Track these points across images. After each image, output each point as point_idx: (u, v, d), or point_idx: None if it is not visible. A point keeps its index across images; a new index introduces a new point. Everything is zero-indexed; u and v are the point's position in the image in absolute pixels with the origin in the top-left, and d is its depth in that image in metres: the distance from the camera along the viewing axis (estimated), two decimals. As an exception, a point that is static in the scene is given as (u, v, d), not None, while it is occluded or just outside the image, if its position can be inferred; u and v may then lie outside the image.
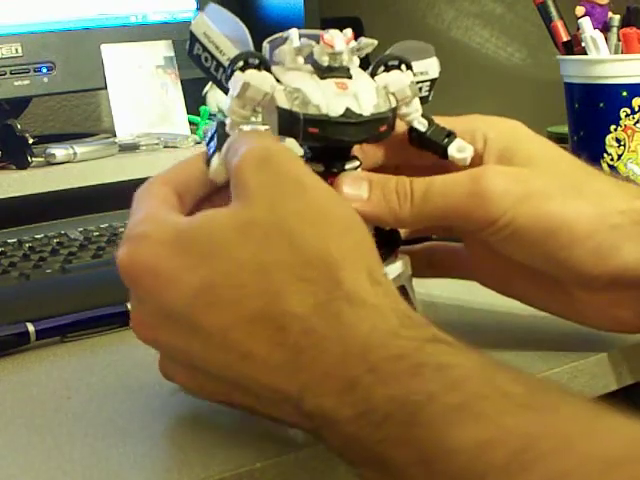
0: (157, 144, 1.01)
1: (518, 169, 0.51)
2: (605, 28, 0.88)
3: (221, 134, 0.49)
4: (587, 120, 0.89)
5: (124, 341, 0.62)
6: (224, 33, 0.51)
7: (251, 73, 0.49)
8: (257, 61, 0.49)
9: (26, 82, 1.00)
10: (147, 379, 0.55)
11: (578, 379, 0.54)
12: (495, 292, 0.58)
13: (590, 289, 0.53)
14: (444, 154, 0.53)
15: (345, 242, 0.43)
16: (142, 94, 1.07)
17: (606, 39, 0.87)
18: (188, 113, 1.10)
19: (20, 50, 1.00)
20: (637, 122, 0.86)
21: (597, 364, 0.55)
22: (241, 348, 0.42)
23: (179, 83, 1.09)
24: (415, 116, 0.53)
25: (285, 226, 0.43)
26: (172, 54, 1.08)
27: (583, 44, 0.87)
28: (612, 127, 0.87)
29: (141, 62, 1.07)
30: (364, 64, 0.51)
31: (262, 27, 1.12)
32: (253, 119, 0.50)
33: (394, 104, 0.51)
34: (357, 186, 0.50)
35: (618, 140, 0.87)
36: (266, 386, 0.42)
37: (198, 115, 1.10)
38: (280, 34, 0.51)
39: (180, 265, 0.43)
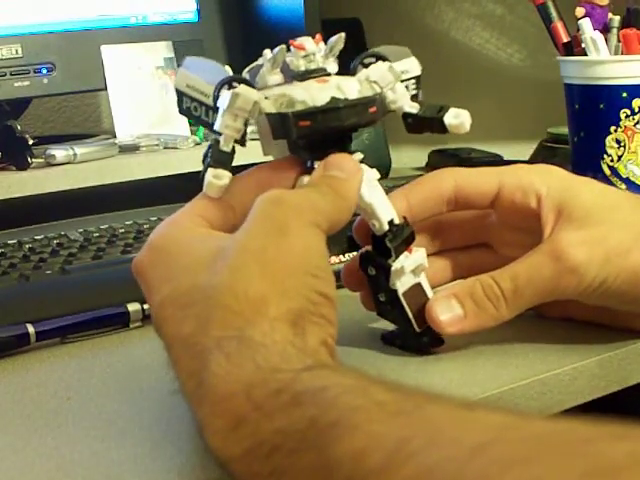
0: (157, 145, 1.01)
1: (588, 232, 0.53)
2: (605, 29, 0.88)
3: (215, 150, 0.50)
4: (587, 121, 0.89)
5: (124, 342, 0.62)
6: (204, 78, 0.52)
7: (239, 86, 0.50)
8: (239, 83, 0.50)
9: (26, 83, 1.00)
10: (147, 380, 0.55)
11: (578, 380, 0.54)
12: None
13: None
14: (442, 127, 0.53)
15: (269, 286, 0.43)
16: (142, 95, 1.06)
17: (606, 40, 0.87)
18: (188, 114, 1.10)
19: (20, 51, 1.00)
20: (637, 123, 0.86)
21: (598, 365, 0.55)
22: (176, 367, 0.44)
23: (179, 84, 1.09)
24: (404, 101, 0.54)
25: (241, 259, 0.44)
26: (172, 55, 1.08)
27: (583, 45, 0.87)
28: (612, 128, 0.87)
29: (141, 63, 1.07)
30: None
31: (262, 29, 1.12)
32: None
33: (378, 90, 0.52)
34: (449, 307, 0.52)
35: (618, 141, 0.87)
36: (192, 411, 0.43)
37: (198, 116, 1.10)
38: (256, 62, 0.52)
39: (157, 275, 0.46)
